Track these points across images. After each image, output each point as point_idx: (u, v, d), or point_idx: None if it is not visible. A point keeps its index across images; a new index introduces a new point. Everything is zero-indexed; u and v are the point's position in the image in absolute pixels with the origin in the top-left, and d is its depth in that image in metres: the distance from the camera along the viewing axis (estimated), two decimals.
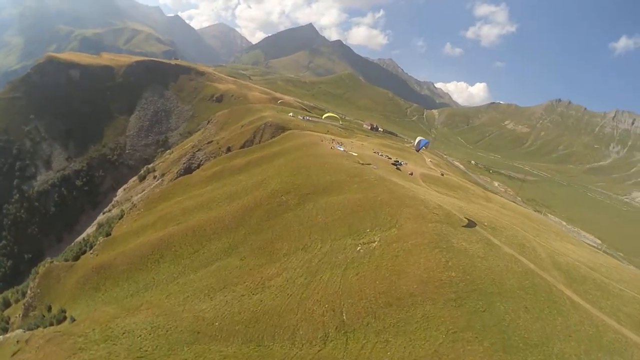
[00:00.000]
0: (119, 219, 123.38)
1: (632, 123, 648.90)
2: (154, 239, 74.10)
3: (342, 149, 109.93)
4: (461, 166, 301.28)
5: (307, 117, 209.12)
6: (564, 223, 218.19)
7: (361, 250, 47.78)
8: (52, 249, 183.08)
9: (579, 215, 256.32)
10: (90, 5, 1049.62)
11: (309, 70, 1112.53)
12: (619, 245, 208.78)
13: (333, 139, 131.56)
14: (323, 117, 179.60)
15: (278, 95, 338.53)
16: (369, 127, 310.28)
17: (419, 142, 73.24)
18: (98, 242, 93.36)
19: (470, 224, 55.17)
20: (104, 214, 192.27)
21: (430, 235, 48.00)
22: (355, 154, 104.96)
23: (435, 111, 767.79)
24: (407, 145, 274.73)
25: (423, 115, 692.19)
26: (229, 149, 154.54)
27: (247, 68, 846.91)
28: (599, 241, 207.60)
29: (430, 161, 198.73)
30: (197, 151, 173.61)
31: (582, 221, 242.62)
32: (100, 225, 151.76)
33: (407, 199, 61.02)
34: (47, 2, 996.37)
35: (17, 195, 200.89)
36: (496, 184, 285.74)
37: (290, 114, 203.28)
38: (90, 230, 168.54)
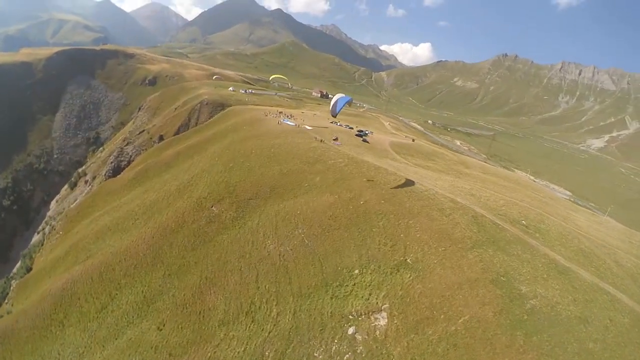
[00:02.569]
0: (40, 246, 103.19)
1: (579, 74, 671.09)
2: (57, 288, 53.36)
3: (292, 123, 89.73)
4: (419, 127, 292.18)
5: (250, 90, 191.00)
6: (532, 177, 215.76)
7: (358, 339, 26.59)
8: None
9: (543, 167, 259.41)
10: (11, 1, 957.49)
11: (250, 43, 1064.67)
12: (588, 196, 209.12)
13: (280, 112, 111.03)
14: (270, 78, 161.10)
15: (217, 70, 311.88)
16: (319, 95, 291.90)
17: (337, 102, 61.37)
18: (12, 288, 78.79)
19: (516, 235, 37.25)
20: (38, 233, 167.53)
21: (485, 285, 28.66)
22: (310, 128, 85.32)
23: (383, 73, 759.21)
24: (361, 109, 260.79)
25: (372, 78, 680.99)
26: (161, 138, 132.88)
27: (184, 46, 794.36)
28: (569, 193, 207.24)
29: (389, 124, 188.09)
30: (125, 145, 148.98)
31: (548, 173, 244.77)
32: (23, 256, 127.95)
33: (405, 198, 43.72)
34: None
35: None
36: (458, 142, 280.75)
37: (230, 88, 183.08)
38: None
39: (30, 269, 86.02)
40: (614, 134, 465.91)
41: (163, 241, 48.19)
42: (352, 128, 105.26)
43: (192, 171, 64.83)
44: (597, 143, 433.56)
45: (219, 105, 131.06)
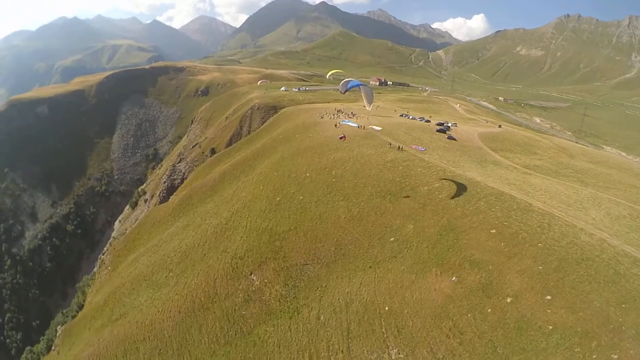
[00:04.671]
0: (92, 280, 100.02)
1: None
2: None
3: (354, 125, 73.08)
4: (491, 106, 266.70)
5: (304, 88, 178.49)
6: (624, 154, 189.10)
7: None
8: (59, 308, 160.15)
9: (633, 140, 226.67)
10: (65, 36, 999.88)
11: (299, 40, 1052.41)
12: None
13: (339, 110, 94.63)
14: (328, 75, 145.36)
15: (268, 72, 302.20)
16: (377, 83, 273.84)
17: (347, 82, 46.70)
18: (57, 335, 77.16)
19: None
20: (104, 254, 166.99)
21: None
22: (379, 128, 68.53)
23: (440, 52, 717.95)
24: (425, 93, 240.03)
25: (429, 58, 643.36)
26: (213, 151, 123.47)
27: (235, 53, 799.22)
28: None
29: (460, 107, 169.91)
30: (178, 162, 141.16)
31: (638, 146, 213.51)
32: (77, 290, 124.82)
33: (583, 280, 26.65)
34: (21, 46, 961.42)
35: (9, 260, 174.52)
36: (537, 119, 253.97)
37: (283, 88, 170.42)
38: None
39: (82, 306, 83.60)
40: None
41: (191, 320, 35.08)
42: (428, 121, 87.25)
43: (234, 204, 51.03)
44: None
45: (271, 109, 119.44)
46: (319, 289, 31.80)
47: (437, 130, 72.92)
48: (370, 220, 36.90)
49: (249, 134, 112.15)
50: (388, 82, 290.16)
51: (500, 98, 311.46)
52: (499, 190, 38.30)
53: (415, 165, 45.69)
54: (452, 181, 40.33)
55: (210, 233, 47.41)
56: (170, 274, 45.59)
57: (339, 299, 30.04)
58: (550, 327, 22.76)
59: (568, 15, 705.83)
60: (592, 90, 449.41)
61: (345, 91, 45.14)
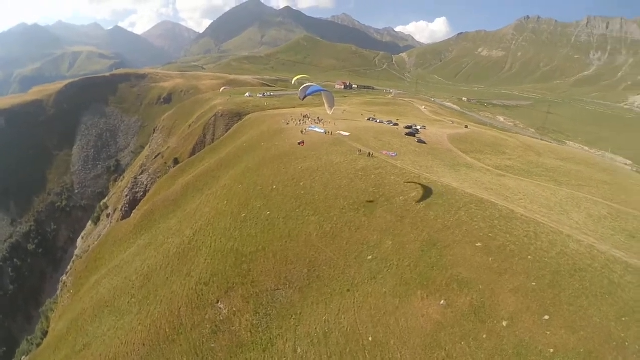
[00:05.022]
0: (55, 304, 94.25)
1: (607, 27, 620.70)
2: None
3: (321, 130, 70.84)
4: (455, 106, 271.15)
5: (269, 93, 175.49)
6: (586, 149, 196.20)
7: None
8: (25, 333, 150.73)
9: (593, 135, 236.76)
10: (25, 44, 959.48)
11: (264, 45, 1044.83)
12: None
13: (305, 116, 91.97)
14: (293, 80, 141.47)
15: (232, 77, 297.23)
16: (342, 87, 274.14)
17: (306, 88, 42.42)
18: None
19: None
20: (66, 274, 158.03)
21: None
22: (347, 134, 66.33)
23: (404, 55, 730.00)
24: (389, 96, 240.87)
25: (392, 61, 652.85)
26: (176, 161, 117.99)
27: (198, 59, 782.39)
28: (630, 162, 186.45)
29: (425, 109, 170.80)
30: (140, 174, 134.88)
31: (602, 141, 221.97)
32: (40, 315, 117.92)
33: (580, 295, 25.40)
34: None
35: None
36: (501, 118, 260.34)
37: (247, 94, 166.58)
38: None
39: (46, 332, 79.41)
40: None
41: (157, 354, 31.30)
42: (396, 124, 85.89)
43: (197, 221, 46.91)
44: None
45: (236, 115, 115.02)
46: (294, 317, 28.51)
47: (406, 134, 71.48)
48: (344, 237, 33.94)
49: (213, 142, 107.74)
50: (353, 86, 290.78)
51: (463, 98, 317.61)
52: (478, 197, 36.48)
53: (388, 173, 43.37)
54: (428, 189, 38.13)
55: (173, 254, 43.47)
56: (133, 299, 41.40)
57: (316, 328, 26.92)
58: (552, 351, 20.81)
59: (528, 17, 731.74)
60: (552, 88, 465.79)
61: (305, 97, 42.23)
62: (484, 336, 21.99)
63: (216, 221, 42.58)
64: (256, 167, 53.21)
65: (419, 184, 39.66)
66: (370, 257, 31.07)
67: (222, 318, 30.55)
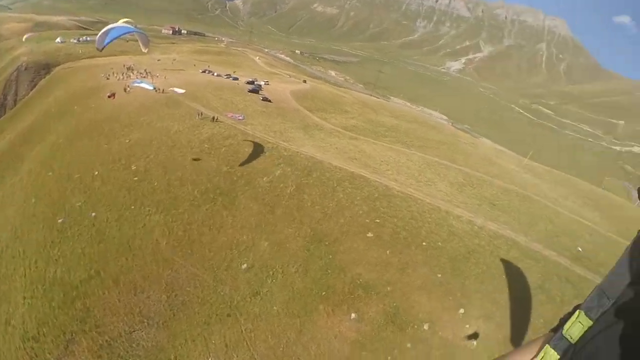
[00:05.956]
0: None
1: (436, 1, 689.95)
2: None
3: (150, 87, 58.80)
4: (287, 58, 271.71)
5: (85, 38, 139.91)
6: (409, 104, 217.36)
7: None
8: None
9: (414, 92, 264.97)
10: None
11: None
12: (462, 118, 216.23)
13: (128, 68, 75.72)
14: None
15: (43, 19, 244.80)
16: (170, 32, 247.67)
17: (106, 33, 32.41)
18: None
19: None
20: None
21: None
22: (182, 91, 56.88)
23: (238, 1, 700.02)
24: (222, 44, 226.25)
25: (226, 7, 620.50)
26: None
27: None
28: (445, 117, 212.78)
29: (260, 60, 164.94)
30: None
31: (421, 98, 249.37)
32: None
33: None
34: None
35: None
36: (333, 73, 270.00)
37: (58, 39, 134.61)
38: None
39: None
40: (470, 56, 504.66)
41: None
42: (236, 79, 78.28)
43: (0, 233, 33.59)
44: (456, 65, 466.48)
45: (44, 68, 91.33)
46: None
47: (249, 91, 64.90)
48: (205, 242, 26.15)
49: (15, 104, 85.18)
50: (182, 31, 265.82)
51: (297, 51, 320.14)
52: (349, 172, 32.84)
53: (241, 144, 36.48)
54: (293, 164, 33.19)
55: None
56: None
57: None
58: (475, 343, 19.51)
59: None
60: (379, 49, 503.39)
61: (103, 47, 31.86)
62: (409, 345, 18.97)
63: (26, 232, 28.65)
64: (68, 141, 39.67)
65: (280, 156, 34.38)
66: (245, 266, 24.38)
67: None
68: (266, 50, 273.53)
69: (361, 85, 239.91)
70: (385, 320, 20.03)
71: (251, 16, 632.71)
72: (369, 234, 25.86)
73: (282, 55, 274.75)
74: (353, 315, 20.47)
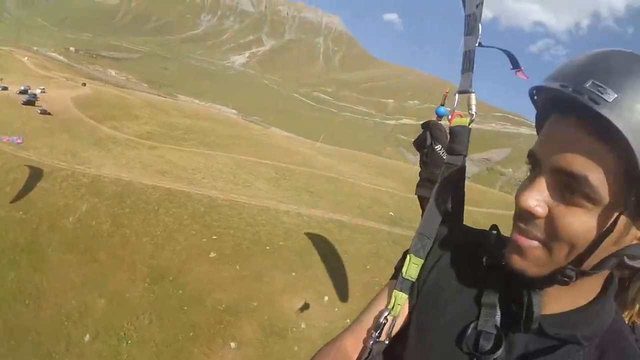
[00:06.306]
0: None
1: None
2: None
3: None
4: (61, 57, 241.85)
5: None
6: (197, 101, 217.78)
7: None
8: None
9: (201, 88, 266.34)
10: None
11: None
12: (251, 111, 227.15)
13: None
14: None
15: None
16: None
17: None
18: None
19: None
20: None
21: None
22: None
23: None
24: None
25: None
26: None
27: None
28: (235, 111, 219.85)
29: (28, 60, 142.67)
30: None
31: (209, 94, 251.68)
32: None
33: None
34: None
35: None
36: (113, 72, 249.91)
37: None
38: None
39: None
40: (253, 50, 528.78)
41: None
42: (6, 88, 67.53)
43: None
44: (240, 59, 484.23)
45: None
46: None
47: (24, 102, 57.26)
48: (27, 324, 18.95)
49: None
50: None
51: (71, 48, 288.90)
52: (165, 189, 29.24)
53: (31, 177, 31.83)
54: (95, 194, 29.83)
55: None
56: None
57: None
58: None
59: None
60: (163, 43, 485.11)
61: None
62: (296, 349, 19.28)
63: None
64: None
65: (80, 185, 30.75)
66: (87, 337, 19.05)
67: None
68: (36, 48, 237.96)
69: (145, 85, 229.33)
70: (264, 335, 19.71)
71: (19, 7, 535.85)
72: (212, 254, 24.23)
73: (55, 54, 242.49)
74: (232, 344, 19.28)
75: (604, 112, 0.65)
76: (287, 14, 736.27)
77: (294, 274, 23.72)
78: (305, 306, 22.44)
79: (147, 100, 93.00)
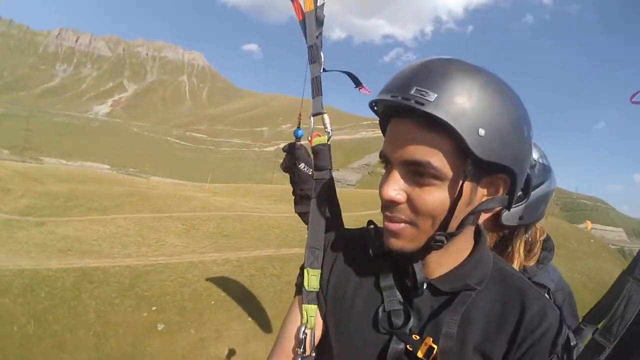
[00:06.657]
0: None
1: (76, 41, 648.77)
2: None
3: None
4: None
5: None
6: (64, 161, 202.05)
7: None
8: None
9: (67, 146, 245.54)
10: None
11: None
12: (125, 163, 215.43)
13: None
14: None
15: None
16: None
17: None
18: None
19: None
20: None
21: None
22: None
23: None
24: None
25: None
26: None
27: None
28: (108, 166, 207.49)
29: None
30: None
31: (77, 152, 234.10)
32: None
33: None
34: None
35: None
36: None
37: None
38: None
39: None
40: (116, 97, 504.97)
41: None
42: None
43: None
44: (103, 108, 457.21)
45: None
46: None
47: None
48: None
49: None
50: None
51: None
52: (78, 269, 30.21)
53: None
54: (4, 294, 27.33)
55: None
56: None
57: None
58: None
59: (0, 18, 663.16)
60: (16, 100, 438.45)
61: None
62: None
63: None
64: None
65: None
66: None
67: None
68: None
69: (7, 151, 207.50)
70: None
71: None
72: (160, 327, 22.92)
73: None
74: None
75: (429, 109, 0.83)
76: (147, 54, 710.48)
77: (250, 319, 25.27)
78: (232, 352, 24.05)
79: (15, 169, 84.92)
